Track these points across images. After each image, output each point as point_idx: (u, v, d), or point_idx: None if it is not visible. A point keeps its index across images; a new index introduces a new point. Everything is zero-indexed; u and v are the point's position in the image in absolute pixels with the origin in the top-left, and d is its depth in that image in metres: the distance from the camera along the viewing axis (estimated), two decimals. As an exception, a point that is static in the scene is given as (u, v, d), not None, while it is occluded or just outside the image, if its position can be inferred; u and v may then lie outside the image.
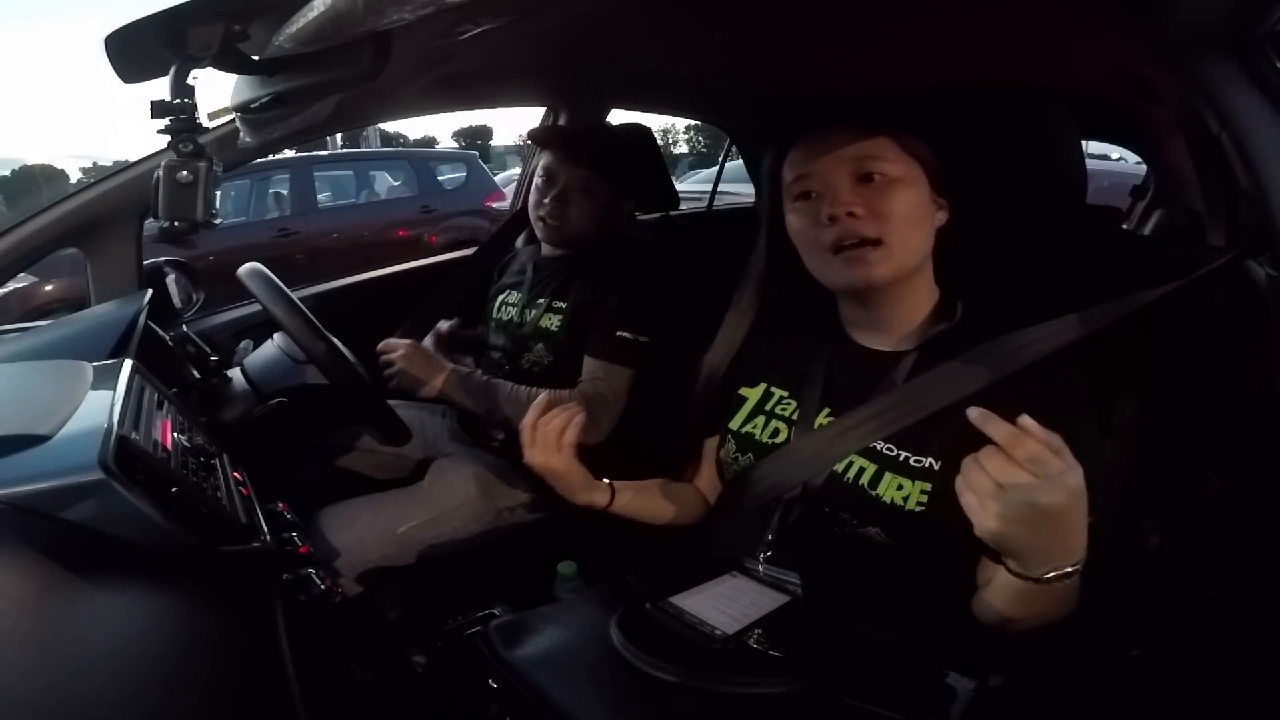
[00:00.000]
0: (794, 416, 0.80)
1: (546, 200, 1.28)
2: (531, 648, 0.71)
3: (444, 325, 1.44)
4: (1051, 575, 0.58)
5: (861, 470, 0.74)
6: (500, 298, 1.40)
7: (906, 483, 0.71)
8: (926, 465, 0.71)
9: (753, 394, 0.86)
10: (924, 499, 0.70)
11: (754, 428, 0.83)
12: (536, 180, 1.32)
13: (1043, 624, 0.64)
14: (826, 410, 0.79)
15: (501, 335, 1.35)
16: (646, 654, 0.66)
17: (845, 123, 0.74)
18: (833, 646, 0.68)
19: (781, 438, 0.80)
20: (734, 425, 0.85)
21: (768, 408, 0.83)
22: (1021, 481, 0.54)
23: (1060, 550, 0.57)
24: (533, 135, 1.45)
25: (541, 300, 1.31)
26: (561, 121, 1.72)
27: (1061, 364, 0.70)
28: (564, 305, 1.28)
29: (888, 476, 0.72)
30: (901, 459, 0.72)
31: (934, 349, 0.75)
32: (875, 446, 0.73)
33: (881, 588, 0.73)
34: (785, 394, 0.83)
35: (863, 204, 0.71)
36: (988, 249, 0.80)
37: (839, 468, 0.75)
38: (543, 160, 1.33)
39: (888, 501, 0.71)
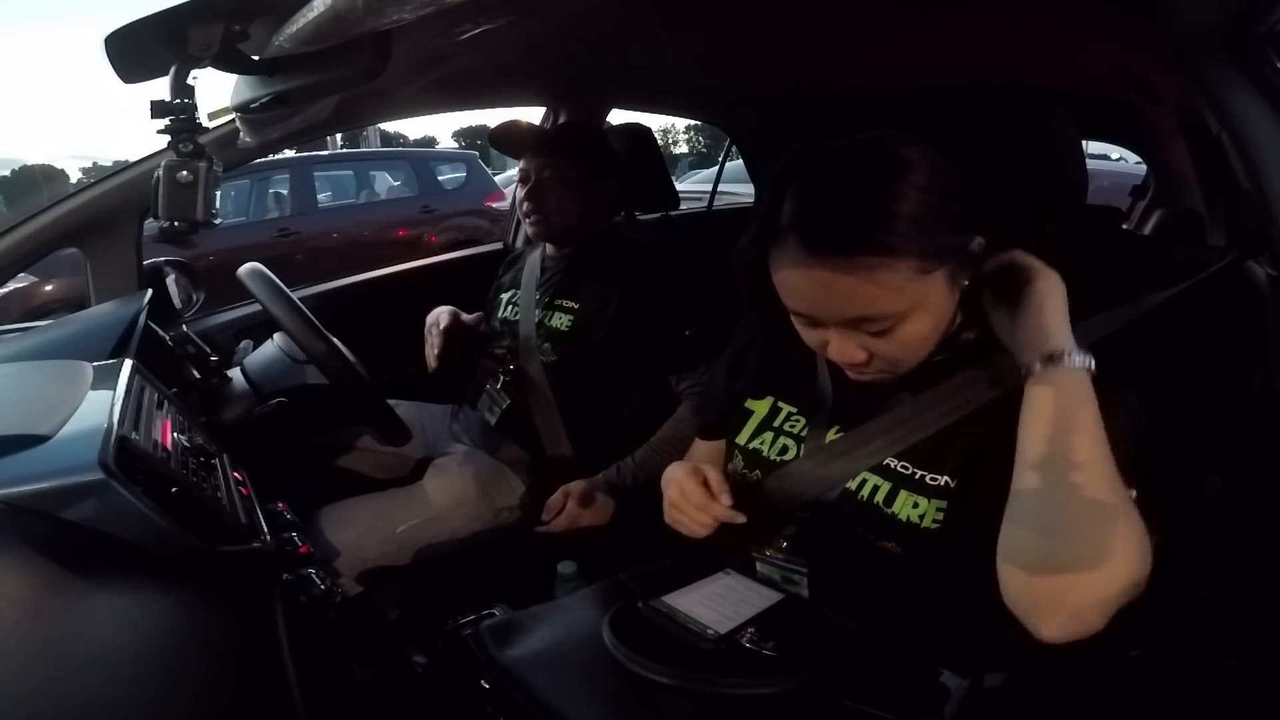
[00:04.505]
0: (803, 433, 0.79)
1: (524, 198, 1.30)
2: (524, 648, 0.71)
3: (467, 318, 1.41)
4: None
5: (876, 488, 0.72)
6: (505, 297, 1.40)
7: (922, 500, 0.69)
8: (942, 483, 0.69)
9: (759, 407, 0.84)
10: (940, 516, 0.68)
11: (761, 444, 0.81)
12: (517, 187, 1.35)
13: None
14: (836, 428, 0.77)
15: (508, 335, 1.35)
16: (638, 655, 0.66)
17: (827, 255, 0.61)
18: (826, 644, 0.68)
19: (790, 455, 0.78)
20: (741, 440, 0.83)
21: (775, 423, 0.81)
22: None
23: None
24: (495, 145, 1.43)
25: (549, 300, 1.32)
26: (562, 120, 1.72)
27: None
28: (574, 305, 1.29)
29: (903, 494, 0.71)
30: (917, 477, 0.70)
31: (945, 364, 0.73)
32: (889, 464, 0.72)
33: (888, 588, 0.73)
34: (794, 410, 0.81)
35: (868, 350, 0.66)
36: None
37: (852, 485, 0.73)
38: (519, 165, 1.35)
39: (903, 519, 0.70)
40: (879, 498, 0.72)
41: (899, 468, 0.72)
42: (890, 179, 0.60)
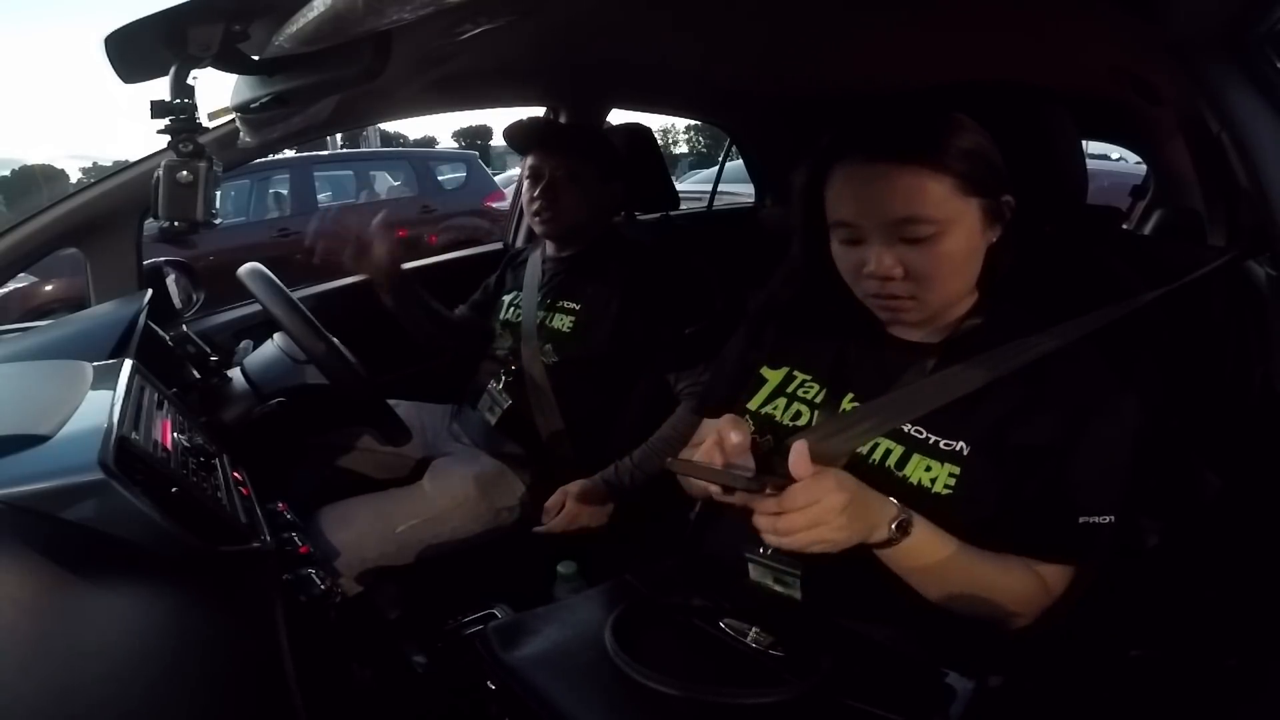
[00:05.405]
0: (817, 400, 0.80)
1: (536, 195, 1.29)
2: (530, 649, 0.71)
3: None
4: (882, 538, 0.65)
5: (889, 452, 0.73)
6: (507, 299, 1.40)
7: (935, 465, 0.71)
8: (956, 449, 0.71)
9: (774, 376, 0.85)
10: (951, 482, 0.70)
11: (774, 409, 0.82)
12: (525, 183, 1.34)
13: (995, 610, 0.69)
14: (851, 395, 0.78)
15: (509, 336, 1.35)
16: (639, 663, 0.66)
17: (885, 158, 0.69)
18: (832, 646, 0.67)
19: (803, 420, 0.79)
20: (753, 405, 0.83)
21: (789, 390, 0.82)
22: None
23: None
24: (509, 140, 1.41)
25: (551, 300, 1.32)
26: (562, 120, 1.72)
27: (1071, 362, 0.71)
28: (575, 306, 1.29)
29: (916, 458, 0.72)
30: (931, 442, 0.72)
31: (961, 345, 0.75)
32: (904, 429, 0.73)
33: (885, 582, 0.73)
34: (809, 378, 0.82)
35: (903, 266, 0.70)
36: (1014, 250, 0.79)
37: (864, 450, 0.74)
38: (528, 162, 1.34)
39: (914, 483, 0.71)
40: (890, 462, 0.73)
41: (913, 432, 0.73)
42: (943, 118, 0.71)
